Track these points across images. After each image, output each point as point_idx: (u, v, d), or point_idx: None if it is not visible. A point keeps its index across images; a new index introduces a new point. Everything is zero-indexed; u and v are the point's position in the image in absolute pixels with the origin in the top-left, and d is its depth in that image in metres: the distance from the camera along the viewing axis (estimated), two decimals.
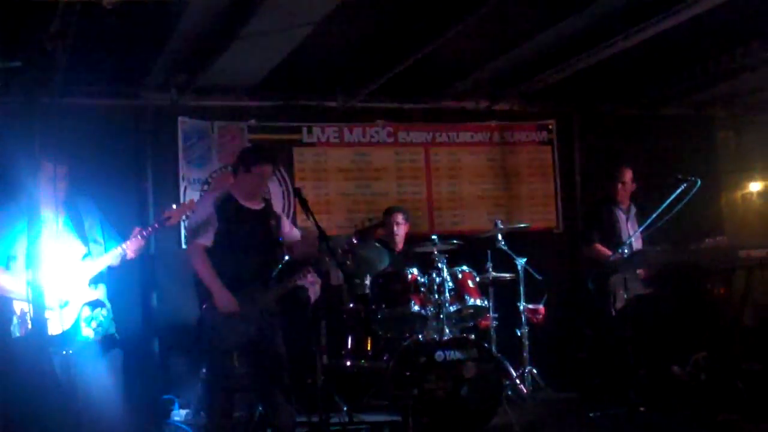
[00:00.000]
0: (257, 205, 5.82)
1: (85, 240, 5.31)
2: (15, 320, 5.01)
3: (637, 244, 7.20)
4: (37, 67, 3.98)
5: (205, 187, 7.71)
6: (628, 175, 7.49)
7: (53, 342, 4.86)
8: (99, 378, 5.08)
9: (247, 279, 5.66)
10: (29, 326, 4.74)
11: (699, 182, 6.72)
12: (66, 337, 5.01)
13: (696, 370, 6.68)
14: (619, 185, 7.47)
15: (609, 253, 7.13)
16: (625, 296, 6.74)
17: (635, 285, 6.95)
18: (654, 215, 6.76)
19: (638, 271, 6.93)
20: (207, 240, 5.64)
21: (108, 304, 5.32)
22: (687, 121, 9.34)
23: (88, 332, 5.15)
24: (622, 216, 7.46)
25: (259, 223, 5.78)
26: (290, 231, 6.08)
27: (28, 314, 4.62)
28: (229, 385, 5.65)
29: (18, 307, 4.99)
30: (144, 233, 5.38)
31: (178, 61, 6.93)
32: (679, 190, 6.72)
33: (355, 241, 6.01)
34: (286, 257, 5.96)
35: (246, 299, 5.60)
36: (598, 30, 6.80)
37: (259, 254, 5.74)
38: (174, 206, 5.50)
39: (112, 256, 5.27)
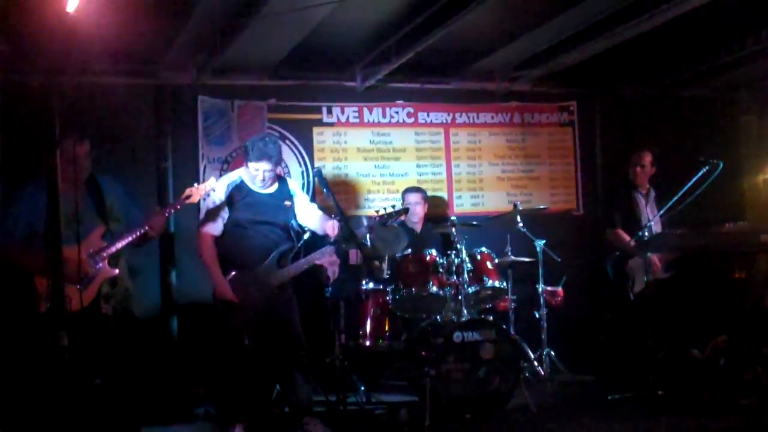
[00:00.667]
0: (270, 188, 5.86)
1: (105, 218, 5.34)
2: (37, 297, 5.06)
3: (656, 227, 7.16)
4: (57, 45, 3.96)
5: (225, 166, 7.72)
6: (648, 158, 7.44)
7: (73, 319, 4.89)
8: (118, 354, 5.12)
9: (259, 259, 5.71)
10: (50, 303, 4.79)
11: (721, 165, 6.67)
12: (86, 314, 5.04)
13: (715, 354, 6.65)
14: (638, 168, 7.43)
15: (628, 238, 7.09)
16: (645, 279, 6.71)
17: (655, 267, 6.93)
18: (675, 198, 6.73)
19: (651, 257, 6.89)
20: (215, 230, 5.79)
21: (128, 282, 5.35)
22: (709, 104, 9.25)
23: (107, 309, 5.19)
24: (641, 200, 7.42)
25: (271, 205, 5.82)
26: (307, 210, 6.08)
27: (49, 291, 4.66)
28: (241, 362, 5.70)
29: (40, 283, 5.04)
30: (165, 212, 5.42)
31: (198, 40, 6.92)
32: (700, 173, 6.69)
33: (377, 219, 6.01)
34: (306, 236, 5.97)
35: (257, 279, 5.64)
36: (620, 10, 6.73)
37: (271, 235, 5.79)
38: (195, 185, 5.54)
39: (133, 235, 5.30)
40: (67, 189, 4.89)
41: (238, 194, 5.79)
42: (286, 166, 7.95)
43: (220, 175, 7.56)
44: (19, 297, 5.20)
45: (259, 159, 5.72)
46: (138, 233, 5.31)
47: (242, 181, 5.84)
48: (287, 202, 5.90)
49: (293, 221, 5.95)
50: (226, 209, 5.77)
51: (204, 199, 5.80)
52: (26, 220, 5.22)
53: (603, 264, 7.50)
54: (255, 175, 5.78)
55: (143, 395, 5.49)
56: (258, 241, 5.77)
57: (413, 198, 7.52)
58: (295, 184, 6.19)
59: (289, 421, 5.84)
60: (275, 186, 5.92)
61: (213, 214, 5.75)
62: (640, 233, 6.79)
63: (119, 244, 5.29)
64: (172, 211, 5.64)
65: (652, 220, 7.14)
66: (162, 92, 7.63)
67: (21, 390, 5.29)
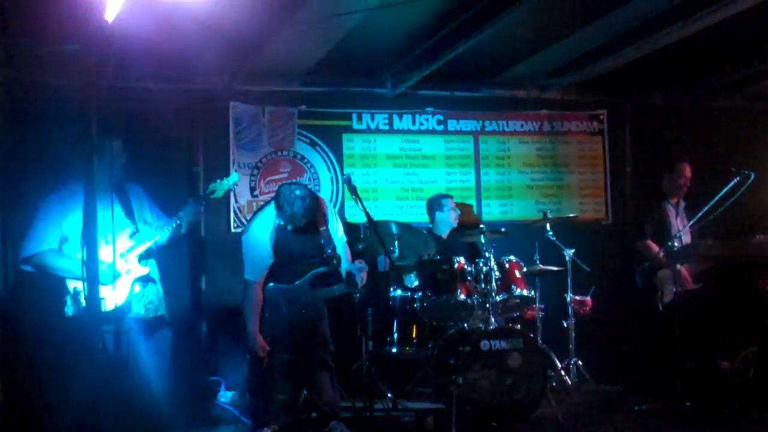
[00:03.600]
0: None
1: (133, 220, 5.40)
2: (68, 299, 5.11)
3: (686, 238, 7.13)
4: (94, 51, 4.03)
5: (255, 171, 7.78)
6: (689, 170, 7.39)
7: (106, 319, 4.95)
8: (148, 356, 5.17)
9: (295, 279, 5.71)
10: (82, 304, 4.84)
11: (753, 176, 6.62)
12: (118, 314, 5.09)
13: (745, 366, 6.59)
14: (681, 181, 7.37)
15: (657, 249, 7.06)
16: (674, 290, 6.68)
17: (684, 280, 6.90)
18: (706, 208, 6.69)
19: (682, 267, 6.86)
20: (259, 278, 5.69)
21: (159, 283, 5.40)
22: (741, 113, 9.20)
23: (139, 309, 5.24)
24: (671, 210, 7.39)
25: (307, 233, 5.74)
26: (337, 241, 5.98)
27: (81, 293, 4.72)
28: (272, 369, 5.73)
29: (71, 286, 5.10)
30: (198, 203, 5.48)
31: (230, 46, 6.98)
32: (732, 184, 6.64)
33: None
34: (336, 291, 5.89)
35: (290, 295, 5.66)
36: (652, 19, 6.72)
37: (308, 258, 5.75)
38: (218, 180, 5.57)
39: (162, 231, 5.35)
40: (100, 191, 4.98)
41: (279, 235, 5.67)
42: (315, 173, 7.99)
43: (250, 181, 7.64)
44: (50, 301, 5.26)
45: (287, 221, 5.58)
46: (168, 227, 5.34)
47: (280, 222, 5.67)
48: (322, 228, 5.76)
49: (329, 249, 5.76)
50: (271, 254, 5.68)
51: (232, 189, 5.77)
52: (56, 228, 5.28)
53: (632, 274, 7.46)
54: (285, 224, 5.63)
55: (171, 397, 5.53)
56: (294, 265, 5.73)
57: (452, 204, 7.51)
58: (331, 209, 6.07)
59: (316, 425, 5.86)
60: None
61: (259, 263, 5.65)
62: (670, 243, 6.76)
63: (148, 242, 5.34)
64: (198, 207, 5.66)
65: (682, 230, 7.10)
66: (195, 97, 7.71)
67: (50, 392, 5.37)
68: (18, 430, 5.50)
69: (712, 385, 6.55)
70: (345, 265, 5.81)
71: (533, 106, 8.72)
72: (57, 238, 5.23)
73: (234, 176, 5.81)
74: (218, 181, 5.62)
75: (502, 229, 6.91)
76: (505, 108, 8.67)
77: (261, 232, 5.67)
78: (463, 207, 8.09)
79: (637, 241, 7.38)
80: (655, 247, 7.13)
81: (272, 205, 5.68)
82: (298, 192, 5.52)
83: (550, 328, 7.41)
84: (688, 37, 6.82)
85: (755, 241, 6.51)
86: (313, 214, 5.62)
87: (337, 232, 5.93)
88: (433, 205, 7.57)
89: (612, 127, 8.94)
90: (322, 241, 5.72)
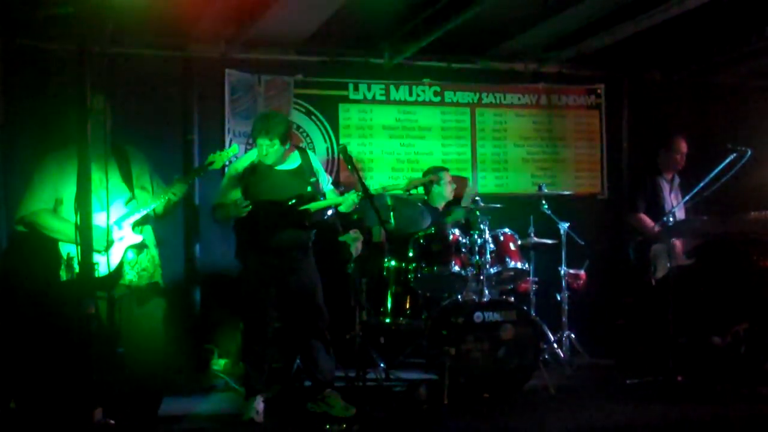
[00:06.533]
0: (289, 165, 5.83)
1: (131, 185, 5.36)
2: (62, 263, 5.09)
3: (680, 214, 7.13)
4: (88, 15, 3.98)
5: (250, 140, 7.74)
6: (684, 145, 7.38)
7: (98, 285, 4.92)
8: (141, 323, 5.15)
9: (280, 236, 5.69)
10: (75, 269, 4.82)
11: (749, 152, 6.62)
12: (110, 280, 5.07)
13: (736, 342, 6.62)
14: (678, 156, 7.37)
15: (652, 223, 7.07)
16: (668, 265, 6.69)
17: (676, 254, 6.90)
18: (701, 185, 6.69)
19: (674, 242, 6.87)
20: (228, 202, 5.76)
21: (154, 250, 5.37)
22: (738, 90, 9.17)
23: (132, 276, 5.22)
24: (665, 186, 7.38)
25: (290, 181, 5.78)
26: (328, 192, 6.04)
27: (75, 258, 4.69)
28: (265, 338, 5.73)
29: (65, 250, 5.07)
30: (188, 180, 5.45)
31: (226, 14, 6.93)
32: (728, 160, 6.64)
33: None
34: (329, 213, 5.92)
35: (278, 255, 5.65)
36: None
37: (291, 211, 5.74)
38: (217, 152, 5.56)
39: (156, 201, 5.33)
40: (95, 155, 4.94)
41: (255, 173, 5.72)
42: (311, 142, 7.97)
43: (246, 149, 7.60)
44: (44, 264, 5.24)
45: (257, 136, 5.67)
46: (161, 200, 5.32)
47: (259, 160, 5.77)
48: (310, 177, 5.83)
49: (320, 197, 5.85)
50: (237, 185, 5.73)
51: (227, 165, 5.81)
52: (51, 189, 5.25)
53: (626, 248, 7.47)
54: (258, 151, 5.71)
55: (164, 365, 5.53)
56: (276, 217, 5.72)
57: (448, 177, 7.51)
58: (318, 161, 6.11)
59: (310, 394, 5.88)
60: (296, 161, 5.89)
61: (227, 188, 5.78)
62: (665, 219, 6.76)
63: (144, 211, 5.31)
64: (196, 178, 5.66)
65: (677, 206, 7.10)
66: (190, 65, 7.66)
67: (41, 358, 5.36)
68: (9, 396, 5.50)
69: (703, 360, 6.59)
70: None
71: (531, 79, 8.69)
72: (52, 198, 5.18)
73: (234, 148, 5.78)
74: (217, 152, 5.59)
75: (498, 206, 6.91)
76: (502, 81, 8.64)
77: (238, 165, 5.77)
78: (458, 180, 8.07)
79: (629, 215, 7.38)
80: (648, 221, 7.13)
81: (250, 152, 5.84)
82: (270, 113, 5.83)
83: (543, 301, 7.44)
84: (686, 12, 6.78)
85: (750, 218, 6.52)
86: (283, 134, 5.66)
87: (327, 183, 5.99)
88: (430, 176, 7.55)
89: (609, 102, 8.92)
90: (309, 189, 5.73)
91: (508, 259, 6.68)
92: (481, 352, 6.15)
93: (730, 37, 8.08)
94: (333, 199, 5.79)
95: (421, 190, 7.51)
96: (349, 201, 5.68)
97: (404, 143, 8.33)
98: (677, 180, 7.47)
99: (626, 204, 7.72)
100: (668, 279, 6.69)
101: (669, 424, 5.51)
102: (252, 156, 5.82)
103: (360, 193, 5.62)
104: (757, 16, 7.49)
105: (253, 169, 5.74)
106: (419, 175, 7.80)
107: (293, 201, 5.63)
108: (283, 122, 5.80)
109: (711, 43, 8.26)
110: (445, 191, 7.48)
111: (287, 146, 5.76)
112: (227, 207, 5.70)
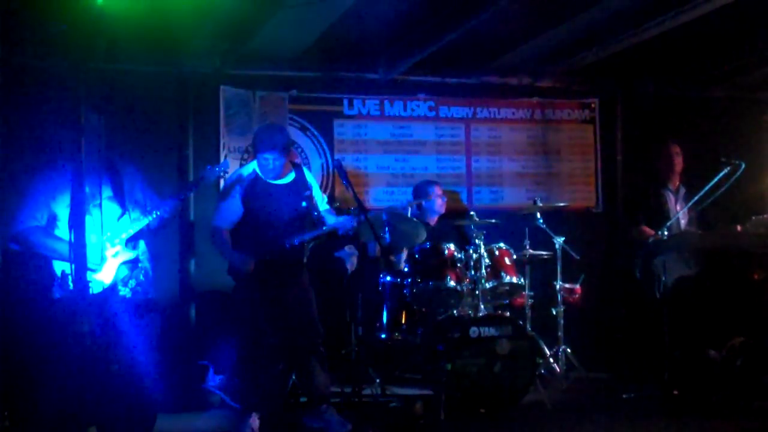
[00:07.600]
0: (285, 179, 5.83)
1: (122, 201, 5.36)
2: (55, 281, 5.08)
3: (684, 223, 7.13)
4: (83, 31, 3.99)
5: (245, 155, 7.74)
6: (677, 149, 7.38)
7: (92, 302, 4.91)
8: (136, 340, 5.14)
9: (275, 251, 5.68)
10: (69, 287, 4.80)
11: (743, 166, 6.63)
12: (103, 298, 5.06)
13: (732, 356, 6.61)
14: (674, 160, 7.35)
15: (652, 233, 7.06)
16: (663, 278, 6.68)
17: (678, 266, 6.88)
18: (696, 198, 6.70)
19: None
20: (228, 226, 5.74)
21: (147, 265, 5.36)
22: (733, 103, 9.18)
23: (125, 292, 5.21)
24: (670, 197, 7.35)
25: (287, 196, 5.78)
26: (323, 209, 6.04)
27: (69, 276, 4.68)
28: (260, 354, 5.71)
29: (59, 268, 5.06)
30: (180, 197, 5.45)
31: (221, 30, 6.94)
32: (722, 173, 6.64)
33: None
34: (324, 228, 5.91)
35: (273, 271, 5.64)
36: (645, 8, 6.71)
37: (287, 227, 5.74)
38: (209, 167, 5.56)
39: (148, 217, 5.32)
40: (89, 171, 4.94)
41: (253, 190, 5.72)
42: (306, 158, 7.97)
43: (240, 165, 7.60)
44: (37, 282, 5.23)
45: (264, 149, 5.67)
46: (153, 216, 5.31)
47: (258, 176, 5.77)
48: (306, 192, 5.84)
49: (314, 212, 5.87)
50: (240, 206, 5.74)
51: (222, 176, 5.81)
52: (44, 206, 5.24)
53: (622, 262, 7.45)
54: (264, 165, 5.73)
55: (159, 382, 5.51)
56: (273, 233, 5.72)
57: (438, 191, 7.51)
58: (313, 178, 6.12)
59: (305, 410, 5.86)
60: (291, 176, 5.89)
61: (227, 211, 5.74)
62: (659, 232, 6.75)
63: (135, 226, 5.31)
64: (188, 194, 5.65)
65: (673, 218, 7.06)
66: (185, 81, 7.66)
67: (35, 376, 5.33)
68: (2, 414, 5.47)
69: (699, 374, 6.57)
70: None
71: (525, 93, 8.69)
72: (44, 215, 5.17)
73: (225, 163, 5.81)
74: (209, 167, 5.60)
75: (493, 221, 6.91)
76: (496, 95, 8.64)
77: (234, 192, 5.72)
78: (449, 194, 8.07)
79: (631, 229, 7.36)
80: (649, 231, 7.08)
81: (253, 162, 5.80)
82: (273, 126, 5.83)
83: (539, 315, 7.41)
84: (679, 26, 6.81)
85: (737, 232, 6.54)
86: (287, 146, 5.72)
87: (322, 202, 5.97)
88: (419, 192, 7.56)
89: (603, 116, 8.93)
90: (304, 204, 5.72)
91: (503, 274, 6.68)
92: (477, 367, 6.15)
93: (723, 51, 8.12)
94: (331, 227, 5.78)
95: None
96: (348, 226, 5.68)
97: (399, 158, 8.33)
98: (683, 190, 7.41)
99: (623, 217, 7.71)
100: (666, 293, 6.68)
101: None
102: (249, 170, 5.82)
103: (356, 216, 5.63)
104: (750, 30, 7.52)
105: (253, 183, 5.74)
106: (412, 189, 7.81)
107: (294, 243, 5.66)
108: (287, 135, 5.88)
109: (704, 56, 8.29)
110: (435, 205, 7.48)
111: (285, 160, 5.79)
112: (231, 255, 5.69)
